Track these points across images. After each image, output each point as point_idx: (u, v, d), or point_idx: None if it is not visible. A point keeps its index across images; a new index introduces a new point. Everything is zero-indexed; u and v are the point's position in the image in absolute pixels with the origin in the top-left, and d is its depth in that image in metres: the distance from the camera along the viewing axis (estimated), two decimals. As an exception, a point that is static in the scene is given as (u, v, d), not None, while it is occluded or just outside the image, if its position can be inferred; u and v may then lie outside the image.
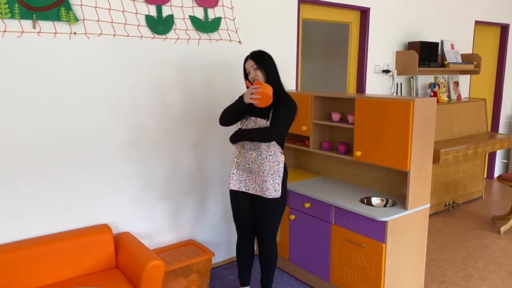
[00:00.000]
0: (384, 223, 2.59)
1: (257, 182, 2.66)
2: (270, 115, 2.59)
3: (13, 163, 2.52)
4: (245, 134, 2.63)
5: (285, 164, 2.70)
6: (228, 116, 2.67)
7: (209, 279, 3.14)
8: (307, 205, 3.07)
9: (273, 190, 2.63)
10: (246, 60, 2.64)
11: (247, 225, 2.81)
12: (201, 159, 3.32)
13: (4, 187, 2.51)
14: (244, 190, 2.71)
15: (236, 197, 2.77)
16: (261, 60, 2.60)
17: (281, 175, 2.67)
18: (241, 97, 2.59)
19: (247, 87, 2.60)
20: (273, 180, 2.62)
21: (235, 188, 2.72)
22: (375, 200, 2.91)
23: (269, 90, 2.47)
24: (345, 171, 3.32)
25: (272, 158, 2.63)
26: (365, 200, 2.89)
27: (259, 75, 2.58)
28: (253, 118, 2.64)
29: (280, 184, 2.66)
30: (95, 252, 2.67)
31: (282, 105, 2.60)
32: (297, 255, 3.26)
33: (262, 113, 2.62)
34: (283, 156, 2.68)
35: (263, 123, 2.59)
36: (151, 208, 3.12)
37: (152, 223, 3.14)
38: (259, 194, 2.66)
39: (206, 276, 3.08)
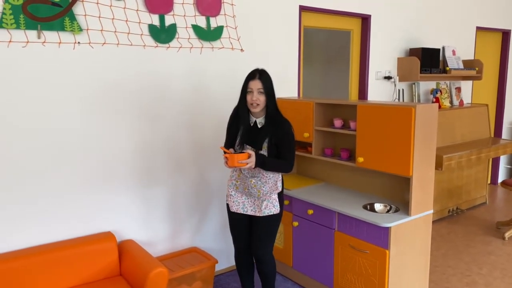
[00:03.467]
0: (387, 229, 2.59)
1: (256, 204, 2.64)
2: (265, 144, 2.53)
3: (17, 172, 2.54)
4: (270, 164, 2.51)
5: (282, 177, 2.69)
6: None
7: (213, 286, 3.14)
8: (310, 211, 3.07)
9: (272, 207, 2.62)
10: (252, 78, 2.48)
11: (245, 237, 2.77)
12: (203, 168, 3.33)
13: (8, 196, 2.53)
14: (242, 212, 2.67)
15: (234, 217, 2.73)
16: (268, 85, 2.49)
17: (280, 189, 2.66)
18: None
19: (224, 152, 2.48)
20: (270, 198, 2.62)
21: (233, 209, 2.68)
22: (378, 206, 2.91)
23: (235, 162, 2.38)
24: (347, 177, 3.32)
25: (271, 180, 2.61)
26: (368, 206, 2.89)
27: (261, 100, 2.48)
28: (249, 147, 2.56)
29: (277, 200, 2.64)
30: (99, 259, 2.68)
31: (286, 135, 2.54)
32: (300, 262, 3.25)
33: (255, 142, 2.53)
34: (280, 174, 2.67)
35: (262, 152, 2.55)
36: (154, 215, 3.13)
37: (156, 231, 3.15)
38: (257, 214, 2.64)
39: (210, 284, 3.08)
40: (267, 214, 2.61)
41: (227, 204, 2.74)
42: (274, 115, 2.55)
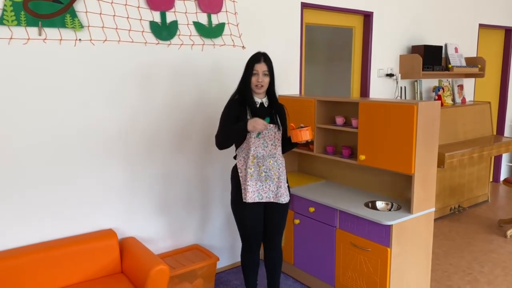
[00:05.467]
0: (389, 227, 2.59)
1: (271, 189, 2.64)
2: (278, 120, 2.66)
3: (17, 169, 2.54)
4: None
5: None
6: (229, 140, 2.57)
7: (214, 284, 3.14)
8: (312, 209, 3.06)
9: (286, 195, 2.66)
10: (257, 60, 2.57)
11: (257, 235, 2.76)
12: (204, 165, 3.33)
13: (8, 193, 2.53)
14: (258, 200, 2.64)
15: (248, 209, 2.65)
16: (272, 67, 2.61)
17: (287, 178, 2.72)
18: (245, 124, 2.46)
19: (289, 129, 2.62)
20: (284, 185, 2.66)
21: (251, 200, 2.60)
22: (379, 204, 2.90)
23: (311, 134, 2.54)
24: (349, 175, 3.31)
25: (282, 162, 2.67)
26: (370, 204, 2.89)
27: (266, 82, 2.59)
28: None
29: (288, 188, 2.71)
30: (100, 257, 2.68)
31: (285, 114, 2.75)
32: (301, 260, 3.25)
33: (273, 119, 2.65)
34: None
35: (275, 129, 2.61)
36: (156, 213, 3.13)
37: (157, 228, 3.15)
38: (272, 200, 2.65)
39: (211, 281, 3.08)
40: (283, 202, 2.66)
41: (237, 200, 2.67)
42: (275, 96, 2.69)
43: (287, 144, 2.68)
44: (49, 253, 2.53)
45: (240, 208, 2.68)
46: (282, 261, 2.89)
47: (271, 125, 2.62)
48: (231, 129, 2.54)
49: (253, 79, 2.58)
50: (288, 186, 2.74)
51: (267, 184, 2.64)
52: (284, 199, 2.66)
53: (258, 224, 2.72)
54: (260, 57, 2.59)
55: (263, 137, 2.60)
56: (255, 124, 2.44)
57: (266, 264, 2.88)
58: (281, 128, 2.64)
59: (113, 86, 2.81)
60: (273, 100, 2.68)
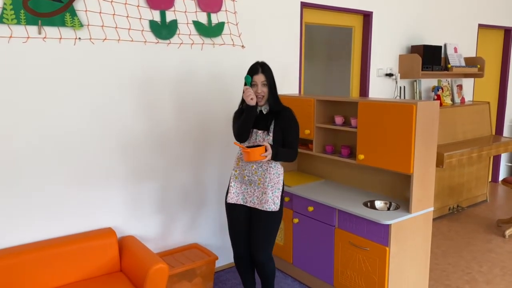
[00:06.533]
0: (388, 227, 2.59)
1: (256, 195, 2.62)
2: (272, 127, 2.59)
3: (17, 168, 2.54)
4: (281, 154, 2.55)
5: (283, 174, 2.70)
6: (243, 129, 2.57)
7: (213, 282, 3.14)
8: (311, 208, 3.07)
9: (272, 203, 2.59)
10: (255, 71, 2.56)
11: (243, 239, 2.72)
12: (203, 164, 3.33)
13: (9, 192, 2.53)
14: (242, 203, 2.66)
15: (233, 210, 2.69)
16: (270, 76, 2.58)
17: (281, 188, 2.64)
18: (245, 105, 2.53)
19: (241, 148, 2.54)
20: (272, 193, 2.59)
21: (233, 201, 2.66)
22: (378, 204, 2.91)
23: (256, 156, 2.44)
24: (348, 174, 3.32)
25: (273, 170, 2.61)
26: (369, 204, 2.89)
27: (265, 91, 2.57)
28: (254, 130, 2.62)
29: (279, 198, 2.62)
30: (100, 255, 2.69)
31: (291, 121, 2.63)
32: (300, 259, 3.26)
33: (261, 125, 2.61)
34: (282, 168, 2.68)
35: (263, 135, 2.59)
36: (155, 212, 3.13)
37: (156, 227, 3.15)
38: (257, 207, 2.61)
39: (210, 280, 3.09)
40: (267, 210, 2.58)
41: (226, 201, 2.72)
42: (276, 103, 2.64)
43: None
44: (48, 251, 2.54)
45: (226, 206, 2.75)
46: (274, 272, 2.77)
47: (260, 131, 2.59)
48: (240, 120, 2.58)
49: (256, 91, 2.56)
50: (282, 196, 2.66)
51: (252, 188, 2.63)
52: (269, 206, 2.57)
53: (241, 227, 2.70)
54: (258, 68, 2.57)
55: (253, 142, 2.61)
56: (245, 96, 2.50)
57: (257, 274, 2.81)
58: (270, 134, 2.58)
59: (113, 86, 2.81)
60: (274, 107, 2.62)
